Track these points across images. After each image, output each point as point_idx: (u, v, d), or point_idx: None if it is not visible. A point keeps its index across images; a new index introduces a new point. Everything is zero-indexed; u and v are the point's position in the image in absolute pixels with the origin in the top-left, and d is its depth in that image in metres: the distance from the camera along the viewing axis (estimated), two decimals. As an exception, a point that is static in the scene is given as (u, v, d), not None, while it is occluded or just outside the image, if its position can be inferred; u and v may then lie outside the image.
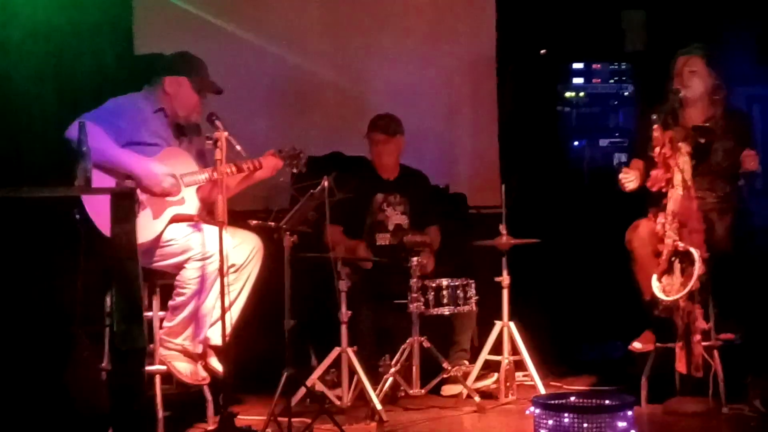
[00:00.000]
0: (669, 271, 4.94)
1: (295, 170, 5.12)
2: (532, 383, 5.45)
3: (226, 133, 4.59)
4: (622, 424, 3.76)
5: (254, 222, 4.88)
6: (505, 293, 5.44)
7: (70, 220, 4.46)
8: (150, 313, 4.73)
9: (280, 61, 6.74)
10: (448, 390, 5.54)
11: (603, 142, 6.94)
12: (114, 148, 4.64)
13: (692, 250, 4.89)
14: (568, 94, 6.95)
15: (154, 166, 4.70)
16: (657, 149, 5.05)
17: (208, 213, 4.91)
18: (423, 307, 5.29)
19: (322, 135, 6.61)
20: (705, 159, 5.16)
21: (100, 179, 4.56)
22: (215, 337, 4.74)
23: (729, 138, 5.21)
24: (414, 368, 5.30)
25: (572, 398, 3.97)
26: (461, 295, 5.40)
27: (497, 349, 5.44)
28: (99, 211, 4.36)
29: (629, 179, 5.22)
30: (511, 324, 5.44)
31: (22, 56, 6.04)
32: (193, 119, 5.00)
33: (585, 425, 3.73)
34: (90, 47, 6.25)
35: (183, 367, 4.71)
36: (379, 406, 4.99)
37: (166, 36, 6.28)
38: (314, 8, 6.87)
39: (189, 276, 4.69)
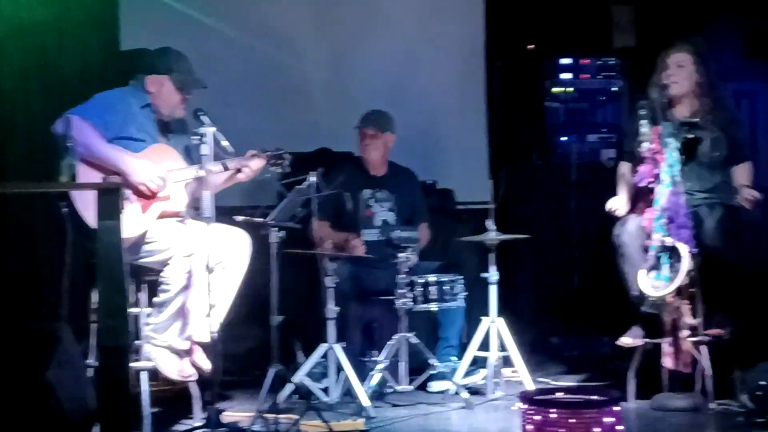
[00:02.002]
0: (657, 266, 4.94)
1: (279, 170, 5.10)
2: (519, 379, 5.45)
3: (212, 129, 4.57)
4: (609, 420, 3.75)
5: (241, 218, 4.86)
6: (493, 289, 5.43)
7: (57, 215, 4.43)
8: (136, 309, 4.71)
9: (268, 57, 6.73)
10: (435, 386, 5.53)
11: (591, 138, 6.93)
12: (101, 144, 4.62)
13: (679, 245, 4.90)
14: (556, 90, 6.94)
15: (140, 164, 4.67)
16: (645, 144, 5.05)
17: (194, 209, 4.89)
18: (410, 303, 5.28)
19: (309, 131, 6.60)
20: (693, 154, 5.17)
21: (88, 174, 4.54)
22: (202, 333, 4.72)
23: (715, 130, 5.22)
24: (401, 364, 5.30)
25: (559, 394, 3.96)
26: (449, 291, 5.39)
27: (485, 345, 5.43)
28: (87, 204, 4.34)
29: (616, 209, 5.23)
30: (499, 320, 5.43)
31: (7, 52, 6.02)
32: (178, 116, 4.97)
33: (572, 421, 3.72)
34: (75, 43, 6.23)
35: (169, 364, 4.70)
36: (366, 403, 4.99)
37: (153, 31, 6.24)
38: (302, 3, 6.86)
39: (175, 272, 4.67)
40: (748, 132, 5.74)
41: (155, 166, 4.73)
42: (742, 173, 5.24)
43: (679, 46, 5.30)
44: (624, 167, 5.39)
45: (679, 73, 5.24)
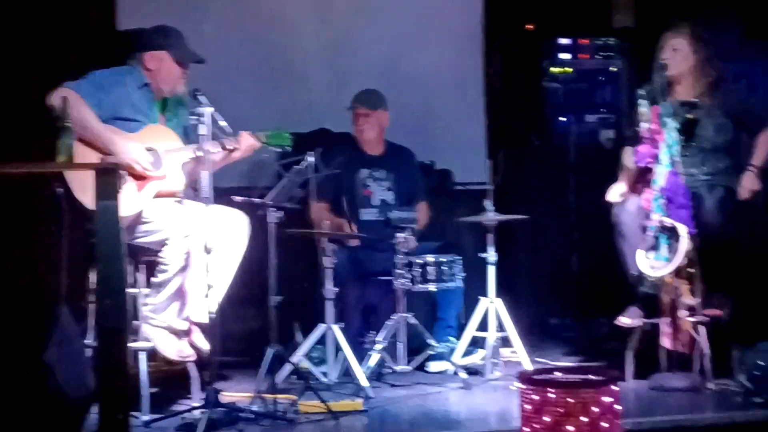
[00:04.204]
0: (655, 246, 4.94)
1: (279, 150, 5.09)
2: (518, 360, 5.45)
3: (210, 109, 4.56)
4: (607, 400, 3.75)
5: (239, 198, 4.85)
6: (492, 269, 5.43)
7: (54, 195, 4.42)
8: (134, 290, 4.71)
9: (266, 37, 6.70)
10: (434, 366, 5.54)
11: (590, 118, 6.90)
12: (94, 121, 4.60)
13: (678, 225, 4.90)
14: (554, 70, 6.91)
15: (131, 144, 4.66)
16: (644, 125, 5.05)
17: (192, 190, 4.88)
18: (409, 283, 5.28)
19: (307, 111, 6.57)
20: (692, 135, 5.16)
21: (85, 153, 4.52)
22: (200, 314, 4.71)
23: (719, 114, 5.21)
24: (400, 345, 5.30)
25: (558, 374, 3.96)
26: (447, 271, 5.38)
27: (483, 325, 5.43)
28: (84, 184, 4.32)
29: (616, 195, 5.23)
30: (498, 300, 5.43)
31: (2, 32, 6.00)
32: (179, 91, 4.95)
33: (570, 401, 3.72)
34: (72, 22, 6.21)
35: (168, 344, 4.69)
36: (365, 383, 4.99)
37: (150, 10, 6.21)
38: (300, -18, 6.84)
39: (173, 252, 4.66)
40: (757, 105, 5.67)
41: (152, 145, 4.72)
42: (762, 143, 5.20)
43: (676, 28, 5.29)
44: (628, 154, 5.34)
45: (674, 56, 5.23)
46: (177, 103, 5.01)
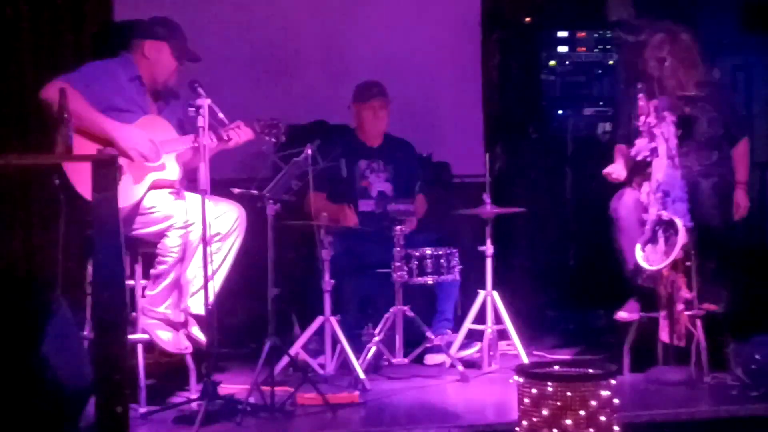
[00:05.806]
0: (653, 240, 4.95)
1: (274, 140, 5.08)
2: (515, 352, 5.46)
3: (208, 101, 4.56)
4: (604, 393, 3.76)
5: (237, 190, 4.85)
6: (489, 262, 5.43)
7: (51, 186, 4.41)
8: (132, 282, 4.70)
9: (263, 28, 6.68)
10: (431, 359, 5.54)
11: (587, 111, 6.90)
12: (90, 111, 4.59)
13: (676, 219, 4.90)
14: (552, 63, 6.90)
15: (131, 130, 4.66)
16: (642, 118, 5.05)
17: (189, 181, 4.87)
18: (406, 276, 5.28)
19: (304, 103, 6.56)
20: (690, 128, 5.17)
21: (83, 145, 4.51)
22: (197, 306, 4.71)
23: (710, 109, 5.22)
24: (397, 337, 5.30)
25: (555, 367, 3.97)
26: (445, 264, 5.38)
27: (481, 318, 5.44)
28: (81, 175, 4.31)
29: (614, 175, 5.22)
30: (495, 293, 5.43)
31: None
32: (171, 83, 4.95)
33: (568, 394, 3.73)
34: (69, 14, 6.19)
35: (165, 336, 4.69)
36: (362, 375, 4.99)
37: (146, 2, 6.20)
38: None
39: (171, 244, 4.66)
40: (741, 109, 5.74)
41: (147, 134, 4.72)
42: (739, 158, 5.25)
43: (658, 27, 5.28)
44: (619, 148, 5.37)
45: (653, 55, 5.22)
46: (170, 95, 5.01)
